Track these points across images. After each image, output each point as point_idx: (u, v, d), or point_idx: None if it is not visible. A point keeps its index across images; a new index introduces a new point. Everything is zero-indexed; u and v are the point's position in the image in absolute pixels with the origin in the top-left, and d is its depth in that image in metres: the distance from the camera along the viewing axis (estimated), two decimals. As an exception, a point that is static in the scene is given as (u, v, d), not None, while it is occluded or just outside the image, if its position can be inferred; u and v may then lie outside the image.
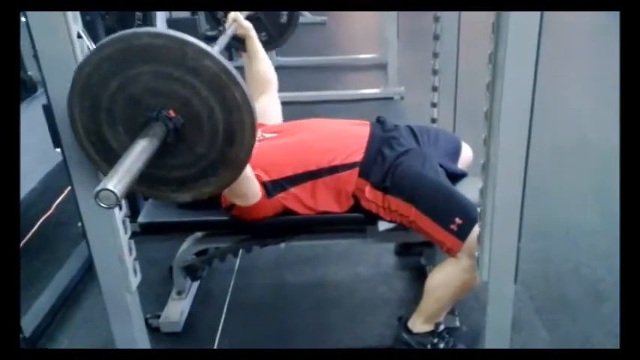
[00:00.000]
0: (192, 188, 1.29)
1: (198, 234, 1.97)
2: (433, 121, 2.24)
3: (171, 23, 2.62)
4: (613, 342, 1.77)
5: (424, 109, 2.43)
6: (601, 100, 3.76)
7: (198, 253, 2.01)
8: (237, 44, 2.16)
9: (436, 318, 1.71)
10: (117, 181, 1.02)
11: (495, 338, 1.47)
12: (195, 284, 2.15)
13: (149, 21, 2.03)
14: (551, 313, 1.89)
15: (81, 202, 1.36)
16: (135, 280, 1.48)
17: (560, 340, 1.80)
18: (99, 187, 1.00)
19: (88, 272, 2.22)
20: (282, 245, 1.91)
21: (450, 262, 1.61)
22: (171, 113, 1.19)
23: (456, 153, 1.92)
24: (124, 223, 1.43)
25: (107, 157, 1.24)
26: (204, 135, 1.21)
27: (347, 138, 1.79)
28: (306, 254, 2.29)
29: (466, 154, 1.96)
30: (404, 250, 2.26)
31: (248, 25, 2.07)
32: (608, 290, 2.00)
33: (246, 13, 2.15)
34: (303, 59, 4.77)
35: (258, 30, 2.12)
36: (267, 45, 2.30)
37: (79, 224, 2.14)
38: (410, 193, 1.63)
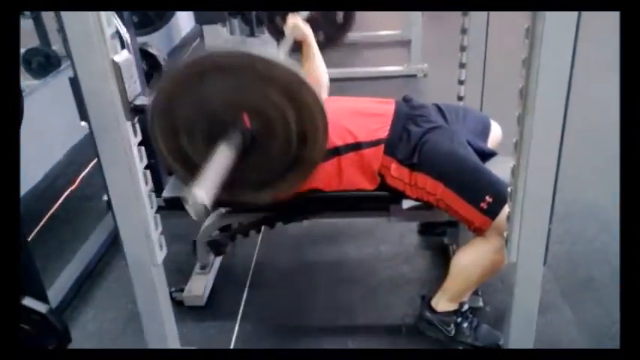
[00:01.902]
0: (272, 187, 1.36)
1: (222, 210, 1.98)
2: (460, 98, 2.20)
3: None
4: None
5: (448, 88, 2.39)
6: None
7: (222, 229, 2.02)
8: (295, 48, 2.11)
9: (461, 297, 1.70)
10: (206, 188, 1.08)
11: (521, 320, 1.44)
12: (218, 259, 2.16)
13: None
14: (576, 295, 1.86)
15: (108, 175, 1.36)
16: (160, 254, 1.49)
17: (585, 321, 1.77)
18: (188, 194, 1.06)
19: (112, 245, 2.24)
20: (305, 223, 1.90)
21: (479, 241, 1.59)
22: (247, 122, 1.24)
23: (485, 132, 1.89)
24: (149, 197, 1.43)
25: (188, 168, 1.33)
26: (279, 140, 1.26)
27: (372, 116, 1.76)
28: (328, 232, 2.29)
29: (495, 133, 1.92)
30: (427, 230, 2.24)
31: (308, 31, 1.96)
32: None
33: (304, 14, 2.09)
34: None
35: (314, 30, 2.05)
36: (324, 45, 2.22)
37: (104, 198, 2.17)
38: (439, 170, 1.60)
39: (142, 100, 1.29)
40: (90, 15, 1.17)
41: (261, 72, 1.18)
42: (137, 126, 1.32)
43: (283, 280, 2.09)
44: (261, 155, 1.29)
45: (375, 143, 1.68)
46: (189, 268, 2.08)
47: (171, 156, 1.32)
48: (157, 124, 1.28)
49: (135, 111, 1.28)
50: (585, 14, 1.08)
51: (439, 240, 2.19)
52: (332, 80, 2.00)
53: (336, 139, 1.69)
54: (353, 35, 4.84)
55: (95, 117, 1.29)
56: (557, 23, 1.09)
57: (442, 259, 2.10)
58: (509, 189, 1.34)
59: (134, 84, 1.27)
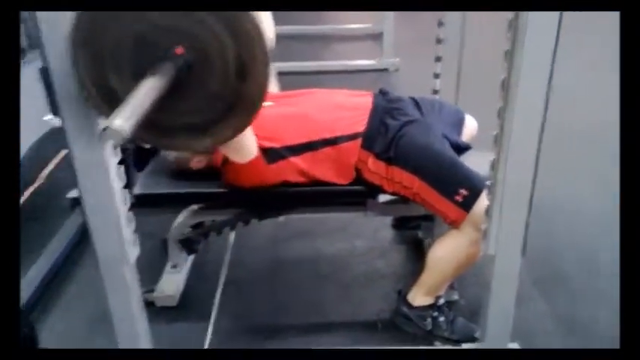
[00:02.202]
0: (210, 133, 1.23)
1: (194, 206, 1.93)
2: (435, 92, 2.20)
3: None
4: (611, 316, 1.77)
5: (420, 82, 2.39)
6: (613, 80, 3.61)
7: (194, 226, 1.97)
8: None
9: (437, 291, 1.70)
10: (125, 118, 0.96)
11: (499, 312, 1.46)
12: (190, 258, 2.11)
13: None
14: (548, 286, 1.89)
15: (79, 171, 1.30)
16: (133, 252, 1.44)
17: (559, 312, 1.80)
18: (106, 124, 0.95)
19: (80, 244, 2.17)
20: (282, 218, 1.88)
21: (454, 234, 1.59)
22: (180, 50, 1.12)
23: (459, 125, 1.89)
24: (122, 193, 1.38)
25: (115, 107, 1.13)
26: (216, 71, 1.15)
27: (349, 109, 1.74)
28: (302, 228, 2.27)
29: (470, 127, 1.93)
30: (401, 224, 2.24)
31: None
32: (604, 265, 2.01)
33: None
34: (294, 28, 4.64)
35: None
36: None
37: (68, 195, 2.10)
38: (414, 163, 1.59)
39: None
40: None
41: None
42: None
43: (257, 277, 2.06)
44: (196, 91, 1.17)
45: (352, 137, 1.66)
46: (160, 268, 2.02)
47: (98, 94, 1.17)
48: (80, 55, 1.12)
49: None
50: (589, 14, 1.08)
51: (413, 234, 2.20)
52: (303, 74, 1.98)
53: (312, 133, 1.67)
54: (323, 28, 4.87)
55: (67, 110, 1.23)
56: (540, 16, 1.09)
57: (417, 253, 2.11)
58: (488, 182, 1.35)
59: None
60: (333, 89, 1.90)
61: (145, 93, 1.05)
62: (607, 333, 1.69)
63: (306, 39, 4.55)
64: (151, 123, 1.08)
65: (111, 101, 1.17)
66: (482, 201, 1.51)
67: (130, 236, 1.42)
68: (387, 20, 3.96)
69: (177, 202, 1.90)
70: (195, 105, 1.20)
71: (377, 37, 4.27)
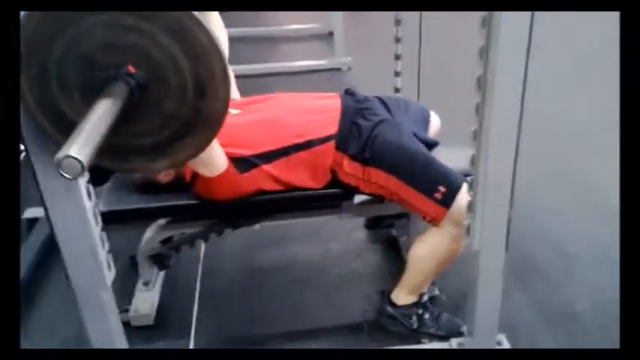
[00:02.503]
0: (169, 154, 1.17)
1: (161, 221, 1.87)
2: (396, 90, 2.21)
3: None
4: (588, 298, 1.84)
5: (374, 80, 2.37)
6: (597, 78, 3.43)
7: (163, 241, 1.91)
8: None
9: (420, 289, 1.71)
10: (80, 147, 0.90)
11: (486, 306, 1.47)
12: (161, 274, 2.04)
13: None
14: (524, 277, 1.93)
15: (47, 194, 1.23)
16: (110, 275, 1.38)
17: (537, 302, 1.84)
18: (60, 155, 0.88)
19: (40, 267, 2.07)
20: (257, 226, 1.84)
21: (434, 231, 1.60)
22: (131, 69, 1.06)
23: (425, 122, 1.91)
24: (94, 213, 1.31)
25: (67, 132, 1.06)
26: (172, 90, 1.09)
27: (319, 112, 1.72)
28: (273, 235, 2.23)
29: (435, 124, 1.95)
30: (374, 224, 2.24)
31: None
32: (575, 251, 2.07)
33: None
34: (237, 30, 4.55)
35: None
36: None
37: (24, 216, 1.99)
38: (391, 163, 1.59)
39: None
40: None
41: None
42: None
43: (234, 287, 2.01)
44: (151, 112, 1.10)
45: (325, 140, 1.65)
46: (131, 286, 1.95)
47: (40, 110, 1.09)
48: (22, 71, 1.05)
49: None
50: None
51: (387, 232, 2.20)
52: (251, 77, 1.94)
53: (283, 138, 1.64)
54: (268, 30, 4.80)
55: (27, 124, 1.15)
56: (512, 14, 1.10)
57: (392, 251, 2.11)
58: (468, 178, 1.36)
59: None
60: (298, 93, 1.87)
61: (100, 117, 0.98)
62: (587, 320, 1.75)
63: (251, 41, 4.45)
64: (104, 147, 0.99)
65: (60, 125, 1.11)
66: (461, 197, 1.54)
67: (104, 258, 1.35)
68: (336, 19, 3.96)
69: (146, 217, 1.83)
70: (151, 126, 1.14)
71: (323, 37, 4.26)
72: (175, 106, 1.11)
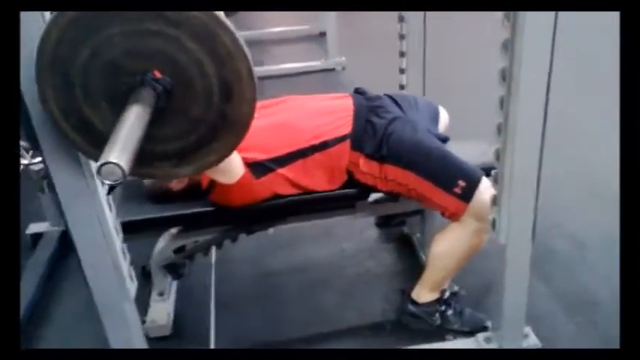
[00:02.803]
0: (195, 160, 1.15)
1: (174, 230, 1.84)
2: (402, 87, 2.20)
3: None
4: (605, 285, 1.84)
5: (369, 79, 2.35)
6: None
7: (176, 250, 1.88)
8: None
9: (442, 286, 1.70)
10: (119, 152, 0.90)
11: (513, 299, 1.47)
12: (175, 283, 2.01)
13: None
14: (543, 267, 1.92)
15: (67, 207, 1.20)
16: (132, 288, 1.35)
17: (558, 292, 1.84)
18: (100, 161, 0.89)
19: (47, 284, 2.03)
20: (271, 230, 1.82)
21: (455, 227, 1.59)
22: (157, 75, 1.04)
23: (435, 118, 1.90)
24: (115, 224, 1.29)
25: (94, 141, 1.09)
26: (198, 94, 1.07)
27: (331, 112, 1.70)
28: (284, 238, 2.20)
29: (444, 119, 1.94)
30: (385, 222, 2.23)
31: None
32: (589, 240, 2.08)
33: None
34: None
35: None
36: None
37: (28, 231, 1.96)
38: (408, 159, 1.58)
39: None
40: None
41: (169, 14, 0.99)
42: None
43: (249, 293, 1.99)
44: (177, 117, 1.09)
45: (340, 140, 1.63)
46: (144, 297, 1.91)
47: (68, 122, 1.07)
48: (47, 82, 1.03)
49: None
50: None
51: (399, 231, 2.19)
52: None
53: (298, 141, 1.63)
54: (258, 32, 4.76)
55: (47, 141, 1.13)
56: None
57: (406, 249, 2.10)
58: (493, 172, 1.35)
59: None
60: (309, 95, 1.86)
61: (133, 123, 0.97)
62: (607, 307, 1.76)
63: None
64: None
65: (86, 133, 1.10)
66: (481, 191, 1.53)
67: (127, 270, 1.33)
68: (329, 20, 3.95)
69: (160, 227, 1.81)
70: (177, 131, 1.12)
71: (314, 38, 4.24)
72: (201, 111, 1.09)
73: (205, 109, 1.09)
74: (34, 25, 1.01)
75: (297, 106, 1.76)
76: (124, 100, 1.02)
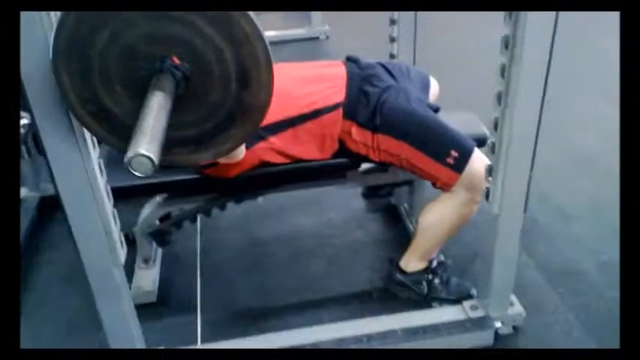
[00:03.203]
0: (212, 146, 1.15)
1: (158, 197, 1.81)
2: (392, 56, 2.17)
3: None
4: (588, 256, 1.89)
5: (353, 49, 2.33)
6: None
7: (162, 218, 1.85)
8: None
9: (430, 255, 1.71)
10: (148, 143, 0.89)
11: (503, 269, 1.49)
12: (160, 251, 1.99)
13: None
14: (526, 238, 1.95)
15: (57, 172, 1.16)
16: (122, 253, 1.33)
17: (541, 262, 1.87)
18: (130, 154, 0.88)
19: (26, 252, 2.01)
20: (260, 199, 1.80)
21: (446, 197, 1.60)
22: (176, 61, 1.03)
23: (426, 88, 1.88)
24: (106, 189, 1.25)
25: (111, 127, 1.09)
26: (216, 80, 1.06)
27: (324, 80, 1.68)
28: (271, 206, 2.19)
29: (435, 88, 1.93)
30: (372, 192, 2.23)
31: None
32: (573, 211, 2.11)
33: None
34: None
35: None
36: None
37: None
38: (402, 130, 1.57)
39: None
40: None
41: None
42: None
43: (236, 261, 1.98)
44: (194, 103, 1.10)
45: (332, 108, 1.61)
46: (128, 265, 1.88)
47: (85, 110, 1.07)
48: (64, 67, 1.01)
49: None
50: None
51: (386, 201, 2.20)
52: None
53: (290, 109, 1.60)
54: None
55: (39, 103, 1.08)
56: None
57: (393, 219, 2.11)
58: (489, 141, 1.35)
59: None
60: (301, 62, 1.82)
61: (157, 112, 0.97)
62: (590, 278, 1.80)
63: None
64: None
65: (102, 119, 1.09)
66: (474, 161, 1.53)
67: (117, 236, 1.30)
68: (313, -13, 3.87)
69: (146, 193, 1.78)
70: (195, 117, 1.12)
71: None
72: (219, 97, 1.09)
73: (223, 95, 1.08)
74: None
75: (289, 74, 1.72)
76: (142, 87, 1.01)
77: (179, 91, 1.04)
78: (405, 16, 2.07)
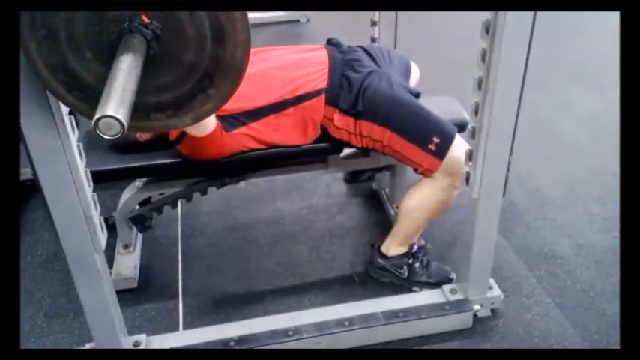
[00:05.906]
0: (192, 108, 1.10)
1: (138, 182, 1.79)
2: (373, 40, 2.17)
3: None
4: (565, 239, 1.93)
5: (333, 31, 2.33)
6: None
7: (142, 203, 1.84)
8: None
9: (411, 239, 1.73)
10: (116, 105, 0.85)
11: (482, 252, 1.51)
12: (140, 236, 1.97)
13: None
14: (504, 220, 1.98)
15: (36, 155, 1.14)
16: (103, 238, 1.31)
17: (518, 245, 1.91)
18: (97, 115, 0.84)
19: None
20: (242, 184, 1.80)
21: (426, 182, 1.61)
22: (145, 19, 0.99)
23: (408, 72, 1.88)
24: (86, 173, 1.24)
25: (84, 95, 1.04)
26: (189, 39, 1.02)
27: (307, 65, 1.66)
28: (252, 192, 2.19)
29: (415, 73, 1.93)
30: (353, 178, 2.24)
31: None
32: (550, 195, 2.15)
33: None
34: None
35: None
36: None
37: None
38: (384, 116, 1.57)
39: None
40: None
41: None
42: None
43: (217, 246, 1.97)
44: (168, 64, 1.04)
45: (315, 94, 1.60)
46: (108, 250, 1.87)
47: (55, 78, 1.02)
48: (29, 34, 0.97)
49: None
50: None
51: (367, 186, 2.21)
52: None
53: (272, 94, 1.59)
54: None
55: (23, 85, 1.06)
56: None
57: (374, 204, 2.13)
58: (470, 126, 1.36)
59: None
60: (283, 46, 1.81)
61: (127, 74, 0.92)
62: (566, 260, 1.84)
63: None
64: None
65: (73, 86, 1.04)
66: (455, 147, 1.55)
67: (98, 221, 1.29)
68: (294, -31, 3.83)
69: (126, 178, 1.76)
70: (170, 80, 1.07)
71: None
72: (194, 57, 1.04)
73: (198, 54, 1.04)
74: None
75: (271, 58, 1.71)
76: (113, 51, 0.96)
77: (151, 52, 1.00)
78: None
